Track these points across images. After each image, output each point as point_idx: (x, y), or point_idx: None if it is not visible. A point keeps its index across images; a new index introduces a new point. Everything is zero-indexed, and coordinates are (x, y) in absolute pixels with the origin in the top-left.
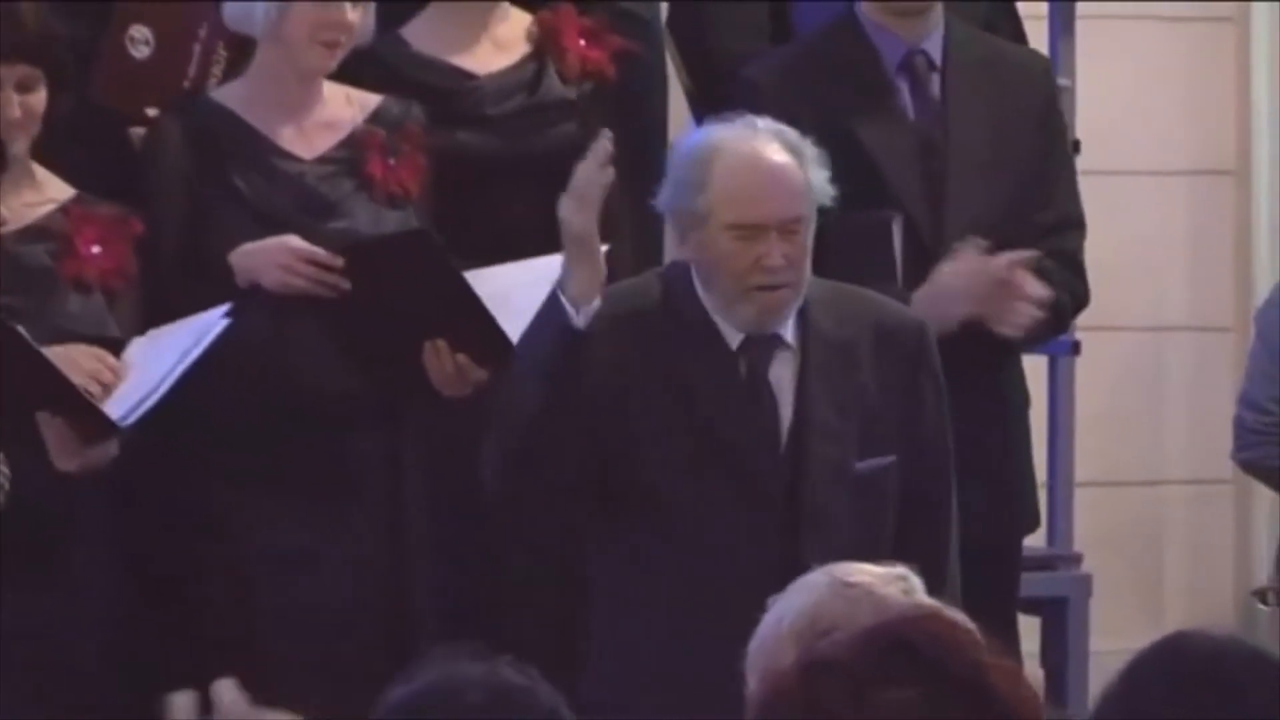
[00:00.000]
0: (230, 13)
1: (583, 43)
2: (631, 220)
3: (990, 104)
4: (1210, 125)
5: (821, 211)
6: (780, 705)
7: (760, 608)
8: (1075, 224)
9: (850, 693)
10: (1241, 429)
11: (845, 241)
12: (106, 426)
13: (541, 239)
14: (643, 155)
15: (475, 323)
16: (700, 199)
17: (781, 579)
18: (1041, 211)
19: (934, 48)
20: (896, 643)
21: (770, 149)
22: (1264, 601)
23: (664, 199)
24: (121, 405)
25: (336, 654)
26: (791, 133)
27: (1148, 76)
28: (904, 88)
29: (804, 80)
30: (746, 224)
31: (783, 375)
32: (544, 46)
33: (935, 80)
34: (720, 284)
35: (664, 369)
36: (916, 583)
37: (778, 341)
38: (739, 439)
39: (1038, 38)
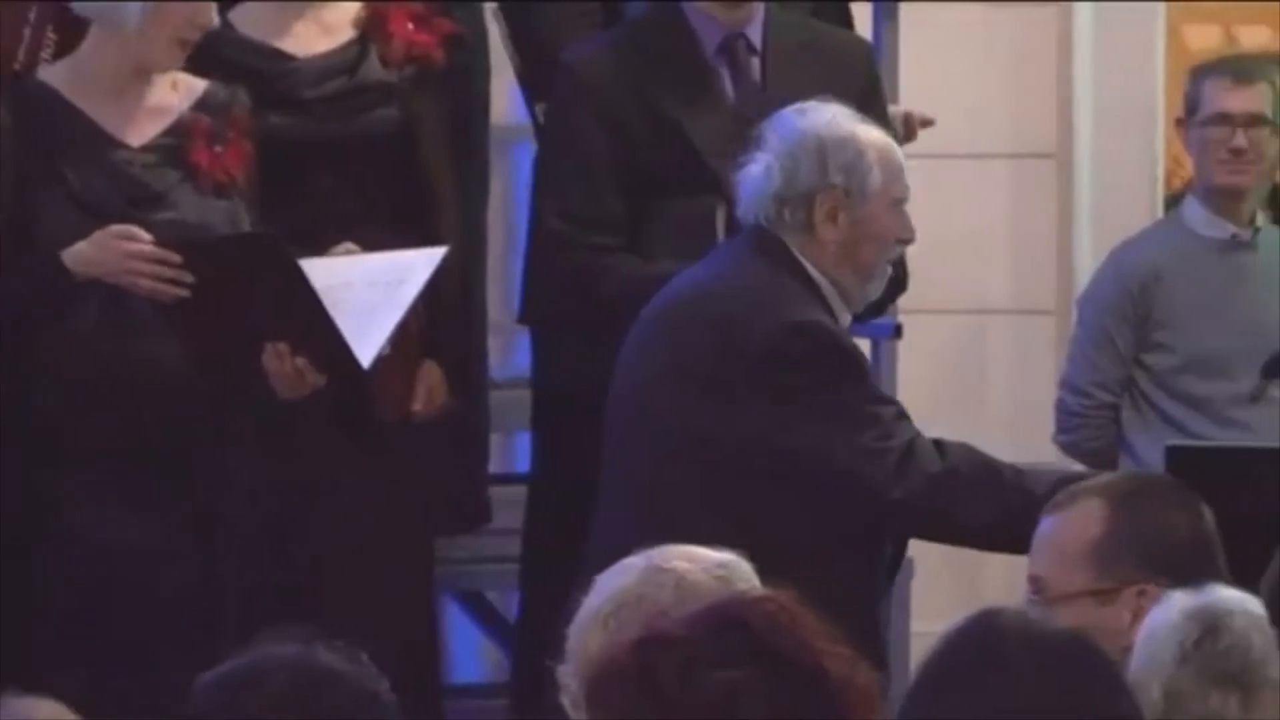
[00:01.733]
0: (84, 6)
1: (411, 26)
2: (455, 196)
3: (810, 88)
4: (1032, 108)
5: (645, 199)
6: (612, 679)
7: None
8: None
9: (681, 670)
10: (1063, 412)
11: (669, 229)
12: None
13: (358, 223)
14: (466, 134)
15: (318, 329)
16: (868, 175)
17: None
18: None
19: (754, 32)
20: (731, 623)
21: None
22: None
23: (794, 180)
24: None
25: (158, 639)
26: None
27: (969, 59)
28: (724, 72)
29: (624, 65)
30: (902, 196)
31: None
32: (370, 31)
33: (755, 64)
34: (866, 259)
35: None
36: (741, 570)
37: None
38: None
39: (861, 20)
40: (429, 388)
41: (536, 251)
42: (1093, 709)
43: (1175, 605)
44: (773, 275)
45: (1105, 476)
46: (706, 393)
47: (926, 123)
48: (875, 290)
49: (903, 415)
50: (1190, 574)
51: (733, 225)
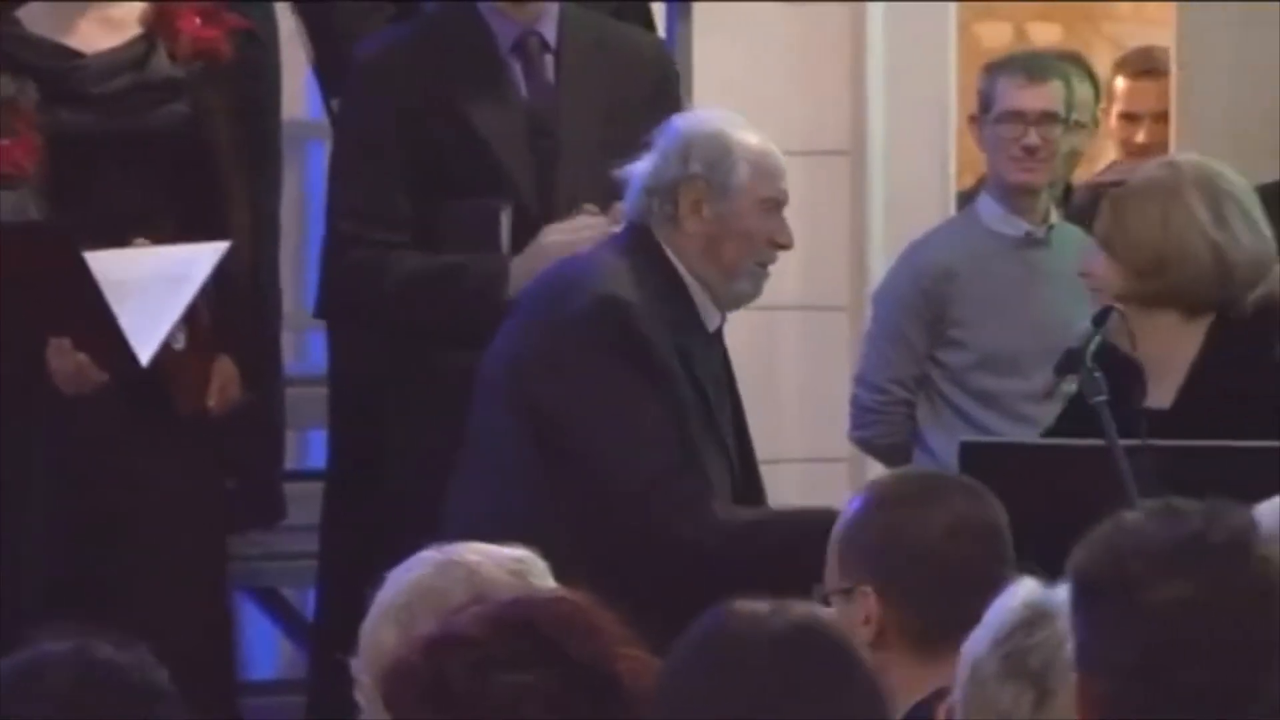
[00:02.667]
0: None
1: (198, 21)
2: (245, 190)
3: (603, 85)
4: (825, 105)
5: (434, 196)
6: (404, 679)
7: None
8: None
9: (473, 671)
10: (858, 408)
11: (454, 229)
12: None
13: (147, 218)
14: (258, 129)
15: (99, 324)
16: (732, 170)
17: None
18: None
19: (548, 29)
20: (523, 624)
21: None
22: (825, 602)
23: (661, 173)
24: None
25: None
26: None
27: (762, 56)
28: (517, 69)
29: (416, 60)
30: (773, 198)
31: None
32: (156, 26)
33: (549, 62)
34: (730, 257)
35: (680, 351)
36: (535, 566)
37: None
38: (723, 423)
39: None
40: (223, 382)
41: (325, 247)
42: (822, 700)
43: (1020, 591)
44: (620, 260)
45: (888, 473)
46: (530, 365)
47: None
48: (745, 290)
49: (675, 442)
50: (917, 579)
51: (517, 226)
